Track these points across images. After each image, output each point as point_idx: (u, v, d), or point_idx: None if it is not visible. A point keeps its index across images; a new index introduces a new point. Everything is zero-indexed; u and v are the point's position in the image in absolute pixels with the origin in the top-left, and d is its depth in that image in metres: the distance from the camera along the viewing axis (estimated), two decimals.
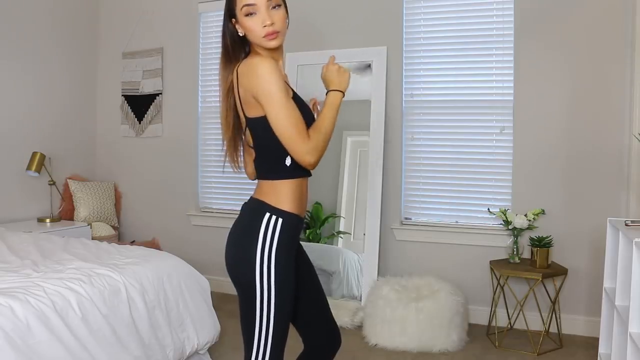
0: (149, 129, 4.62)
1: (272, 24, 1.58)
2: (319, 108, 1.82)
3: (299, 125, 1.54)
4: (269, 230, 1.60)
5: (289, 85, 1.69)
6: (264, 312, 1.59)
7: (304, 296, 1.76)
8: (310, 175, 1.69)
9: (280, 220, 1.60)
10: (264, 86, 1.53)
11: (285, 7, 1.66)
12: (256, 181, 1.72)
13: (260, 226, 1.60)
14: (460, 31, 3.65)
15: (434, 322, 3.11)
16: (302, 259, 1.80)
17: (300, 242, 1.78)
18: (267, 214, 1.61)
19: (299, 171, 1.64)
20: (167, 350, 2.44)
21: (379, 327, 3.20)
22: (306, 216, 3.45)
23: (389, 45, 3.77)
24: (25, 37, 4.17)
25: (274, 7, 1.59)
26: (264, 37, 1.59)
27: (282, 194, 1.63)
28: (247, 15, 1.59)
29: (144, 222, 4.66)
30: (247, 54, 1.67)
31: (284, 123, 1.53)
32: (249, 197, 1.71)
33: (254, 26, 1.59)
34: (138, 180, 4.69)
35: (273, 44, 1.61)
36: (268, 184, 1.65)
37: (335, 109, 1.64)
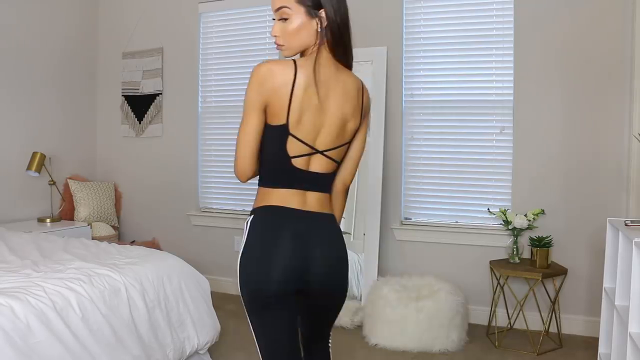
0: (149, 129, 4.62)
1: (275, 36, 1.56)
2: None
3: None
4: None
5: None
6: None
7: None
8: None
9: None
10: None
11: (306, 18, 1.52)
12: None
13: None
14: (460, 31, 3.65)
15: (434, 322, 3.11)
16: None
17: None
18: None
19: None
20: (167, 350, 2.44)
21: (379, 327, 3.20)
22: None
23: (389, 46, 3.77)
24: (26, 35, 4.17)
25: (280, 19, 1.55)
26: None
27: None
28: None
29: (144, 222, 4.66)
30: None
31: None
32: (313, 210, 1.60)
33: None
34: (138, 180, 4.69)
35: (282, 54, 1.59)
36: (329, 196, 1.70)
37: None
